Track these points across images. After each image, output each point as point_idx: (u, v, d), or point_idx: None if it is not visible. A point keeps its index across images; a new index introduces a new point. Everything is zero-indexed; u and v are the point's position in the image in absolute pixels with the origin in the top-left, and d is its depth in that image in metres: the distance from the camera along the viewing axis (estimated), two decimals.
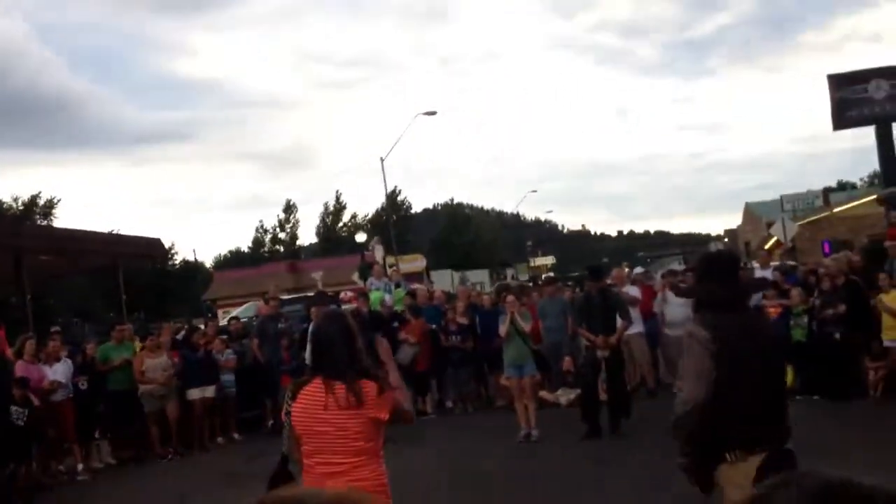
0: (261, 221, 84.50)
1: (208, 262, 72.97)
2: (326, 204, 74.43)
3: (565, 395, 13.00)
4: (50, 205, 49.57)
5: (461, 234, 75.60)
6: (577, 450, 9.95)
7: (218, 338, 14.03)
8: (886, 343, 10.80)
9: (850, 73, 28.61)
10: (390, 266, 30.27)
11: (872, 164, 30.16)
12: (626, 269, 16.84)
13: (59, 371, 11.85)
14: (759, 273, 14.08)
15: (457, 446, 10.98)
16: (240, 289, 41.71)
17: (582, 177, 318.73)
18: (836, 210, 32.86)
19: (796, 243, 27.68)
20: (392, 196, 47.38)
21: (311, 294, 19.72)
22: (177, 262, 58.56)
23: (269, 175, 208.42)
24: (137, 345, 13.62)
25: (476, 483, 8.79)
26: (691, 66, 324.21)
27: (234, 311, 20.87)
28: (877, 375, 11.05)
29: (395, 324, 14.22)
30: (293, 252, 68.39)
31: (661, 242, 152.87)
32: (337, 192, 74.63)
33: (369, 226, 61.53)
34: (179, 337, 14.36)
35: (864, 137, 29.29)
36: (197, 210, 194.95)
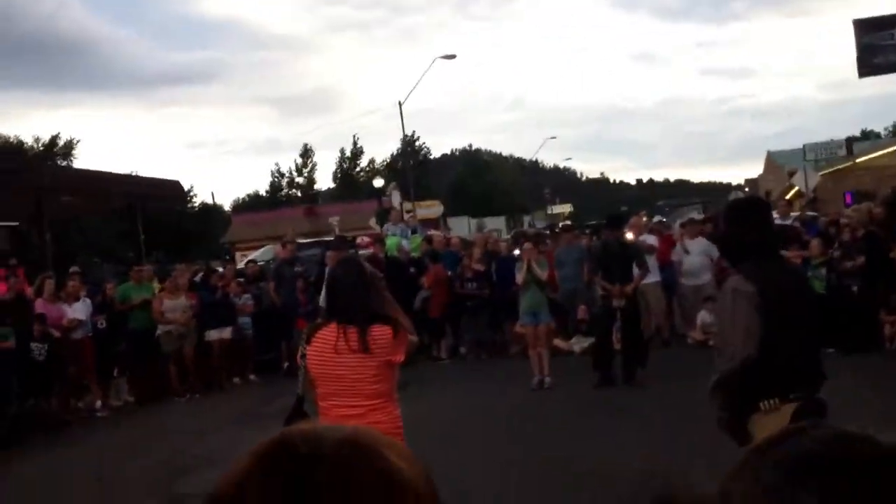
0: (277, 165, 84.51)
1: (227, 206, 73.16)
2: (343, 149, 74.23)
3: (579, 344, 13.04)
4: (69, 146, 49.63)
5: (479, 180, 75.29)
6: (590, 397, 10.00)
7: (235, 280, 14.12)
8: None
9: (877, 18, 28.07)
10: (407, 212, 30.26)
11: None
12: (645, 218, 16.72)
13: (78, 310, 12.00)
14: (778, 223, 13.97)
15: (470, 392, 11.07)
16: (257, 232, 41.82)
17: (602, 123, 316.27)
18: (858, 160, 32.38)
19: (818, 194, 27.39)
20: (410, 141, 47.08)
21: (328, 238, 19.76)
22: (195, 204, 58.74)
23: (287, 119, 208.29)
24: (157, 286, 13.74)
25: (489, 428, 8.88)
26: (714, 10, 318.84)
27: (252, 255, 20.95)
28: (893, 328, 11.00)
29: (412, 269, 14.25)
30: (310, 196, 68.39)
31: (680, 192, 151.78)
32: (354, 136, 74.07)
33: (387, 171, 61.33)
34: (197, 279, 14.48)
35: (891, 84, 28.82)
36: (216, 153, 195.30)
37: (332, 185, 75.84)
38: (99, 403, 12.08)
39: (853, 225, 11.78)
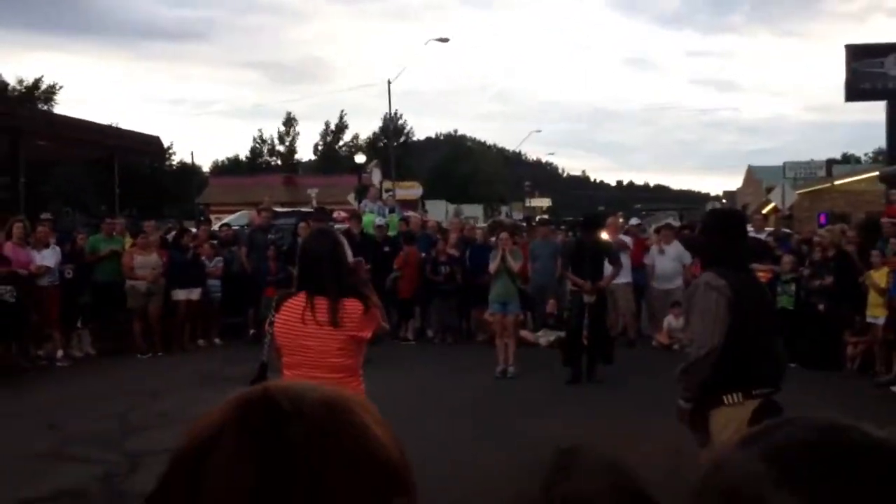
0: (260, 131, 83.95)
1: (205, 167, 72.60)
2: (328, 122, 73.87)
3: (545, 337, 13.10)
4: (51, 90, 48.93)
5: (461, 166, 75.28)
6: (551, 388, 10.08)
7: (208, 242, 14.02)
8: (869, 319, 10.85)
9: (869, 45, 28.31)
10: (387, 191, 30.21)
11: (879, 140, 29.93)
12: (621, 220, 16.81)
13: (46, 257, 11.86)
14: (752, 236, 14.08)
15: (433, 374, 11.10)
16: (234, 196, 41.53)
17: (588, 121, 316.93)
18: (836, 183, 32.75)
19: (794, 212, 27.65)
20: (392, 120, 46.89)
21: (305, 209, 19.66)
22: (174, 162, 58.21)
23: (273, 86, 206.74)
24: (128, 240, 13.61)
25: (451, 410, 8.93)
26: (711, 19, 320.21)
27: (227, 218, 20.79)
28: (855, 350, 11.15)
29: (386, 248, 14.23)
30: (291, 166, 68.02)
31: (659, 197, 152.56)
32: (342, 111, 73.77)
33: (368, 148, 61.13)
34: (170, 237, 14.37)
35: (875, 112, 29.06)
36: (198, 113, 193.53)
37: (313, 156, 75.49)
38: (60, 353, 11.98)
39: (825, 245, 11.90)
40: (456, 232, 14.84)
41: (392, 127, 44.50)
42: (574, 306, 10.64)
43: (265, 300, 12.41)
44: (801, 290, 11.73)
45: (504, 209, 60.23)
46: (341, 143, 73.20)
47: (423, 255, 14.21)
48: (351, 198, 24.03)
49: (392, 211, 17.48)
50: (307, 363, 4.08)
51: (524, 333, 12.87)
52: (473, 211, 51.54)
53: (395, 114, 41.87)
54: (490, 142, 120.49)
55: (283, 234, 14.45)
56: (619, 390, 9.91)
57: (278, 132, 72.84)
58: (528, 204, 70.23)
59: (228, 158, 78.09)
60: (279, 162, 70.32)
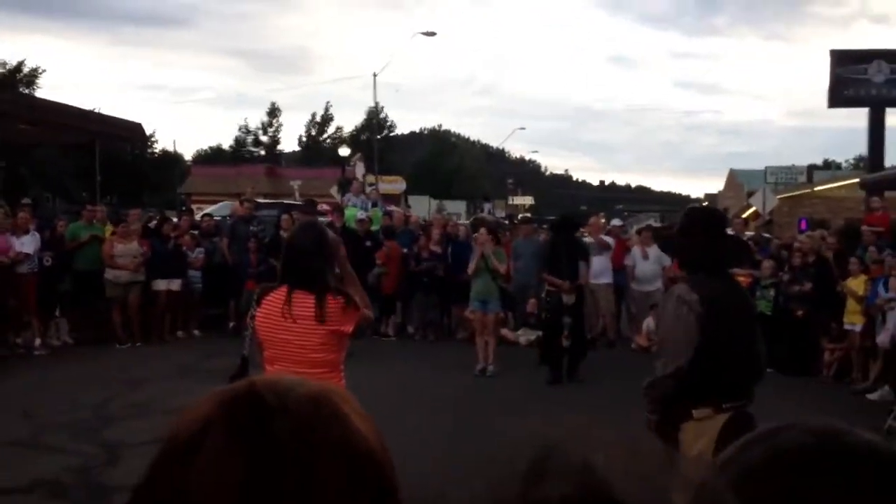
0: (246, 120, 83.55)
1: (187, 156, 72.14)
2: (314, 114, 73.57)
3: (525, 336, 13.12)
4: (34, 74, 48.45)
5: (445, 161, 75.20)
6: (530, 387, 10.11)
7: (189, 233, 13.94)
8: (846, 326, 10.95)
9: (854, 51, 28.44)
10: (370, 184, 30.11)
11: (861, 146, 30.17)
12: (603, 221, 16.88)
13: (26, 243, 11.76)
14: (733, 234, 14.15)
15: (413, 371, 11.10)
16: (216, 186, 41.35)
17: (572, 120, 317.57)
18: (817, 188, 32.96)
19: (774, 216, 27.82)
20: (374, 113, 46.84)
21: (287, 201, 19.60)
22: (156, 150, 57.82)
23: (258, 75, 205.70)
24: (109, 229, 13.52)
25: (430, 407, 8.95)
26: (696, 21, 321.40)
27: (208, 209, 20.70)
28: (832, 356, 11.25)
29: (368, 243, 14.20)
30: (274, 157, 67.74)
31: (641, 198, 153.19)
32: (327, 103, 73.59)
33: (351, 141, 60.96)
34: (151, 225, 14.28)
35: (857, 118, 29.27)
36: (180, 100, 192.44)
37: (296, 147, 75.21)
38: (38, 341, 11.88)
39: (805, 250, 11.99)
40: (439, 228, 14.84)
41: (376, 120, 44.37)
42: (551, 306, 10.65)
43: (246, 293, 12.36)
44: (780, 295, 11.81)
45: (487, 206, 60.29)
46: (325, 135, 72.96)
47: (406, 250, 14.21)
48: (333, 191, 23.92)
49: (375, 205, 17.45)
50: (288, 358, 4.05)
51: (504, 332, 12.90)
52: (457, 207, 51.57)
53: (377, 106, 41.68)
54: (474, 137, 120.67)
55: (265, 226, 14.40)
56: (598, 391, 9.95)
57: (262, 122, 72.53)
58: (510, 202, 70.29)
59: (211, 147, 77.63)
60: (262, 152, 70.01)
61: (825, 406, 9.17)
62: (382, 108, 69.49)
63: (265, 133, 72.52)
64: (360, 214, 15.33)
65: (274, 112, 72.47)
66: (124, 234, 12.78)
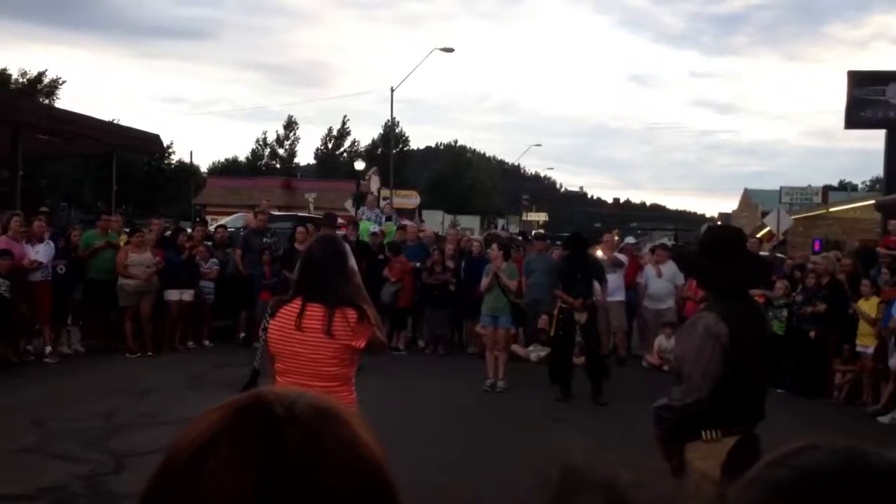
0: (265, 133, 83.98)
1: (204, 167, 72.57)
2: (331, 128, 73.92)
3: (536, 352, 13.09)
4: (54, 84, 48.95)
5: (460, 177, 75.32)
6: (539, 405, 10.04)
7: (203, 244, 13.98)
8: (858, 348, 10.87)
9: (872, 72, 28.31)
10: (384, 198, 30.20)
11: (877, 168, 29.96)
12: (616, 237, 16.86)
13: (41, 252, 11.83)
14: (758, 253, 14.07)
15: (423, 385, 11.07)
16: (231, 198, 41.58)
17: (588, 137, 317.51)
18: (831, 209, 32.82)
19: (788, 237, 27.70)
20: (393, 128, 47.01)
21: (302, 214, 19.67)
22: (173, 161, 58.19)
23: (276, 88, 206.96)
24: (123, 238, 13.58)
25: (438, 422, 8.92)
26: (714, 41, 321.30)
27: (223, 220, 20.79)
28: (843, 378, 11.15)
29: (381, 256, 14.22)
30: (289, 169, 68.07)
31: (655, 216, 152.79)
32: (344, 117, 73.79)
33: (367, 155, 61.19)
34: (168, 234, 14.35)
35: (874, 140, 29.06)
36: (198, 112, 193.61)
37: (312, 161, 75.53)
38: (49, 349, 11.93)
39: (819, 271, 11.91)
40: (453, 243, 14.84)
41: (392, 135, 44.51)
42: (563, 324, 10.61)
43: (260, 305, 12.38)
44: (793, 316, 11.74)
45: (501, 222, 60.28)
46: (342, 148, 73.27)
47: (418, 264, 14.20)
48: (348, 204, 24.02)
49: (389, 219, 17.48)
50: (300, 370, 4.05)
51: (515, 348, 12.87)
52: (470, 222, 51.62)
53: (392, 121, 41.80)
54: (490, 153, 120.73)
55: (278, 238, 14.42)
56: (609, 408, 9.90)
57: (278, 135, 72.93)
58: (524, 218, 70.29)
59: (227, 159, 78.11)
60: (278, 165, 70.35)
61: (835, 429, 9.09)
62: (399, 122, 69.84)
63: (281, 146, 72.90)
64: (374, 228, 15.36)
65: (291, 125, 72.92)
66: (138, 244, 12.82)
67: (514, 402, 10.25)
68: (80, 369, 11.39)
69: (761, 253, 15.59)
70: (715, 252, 4.21)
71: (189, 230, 15.35)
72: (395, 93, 35.96)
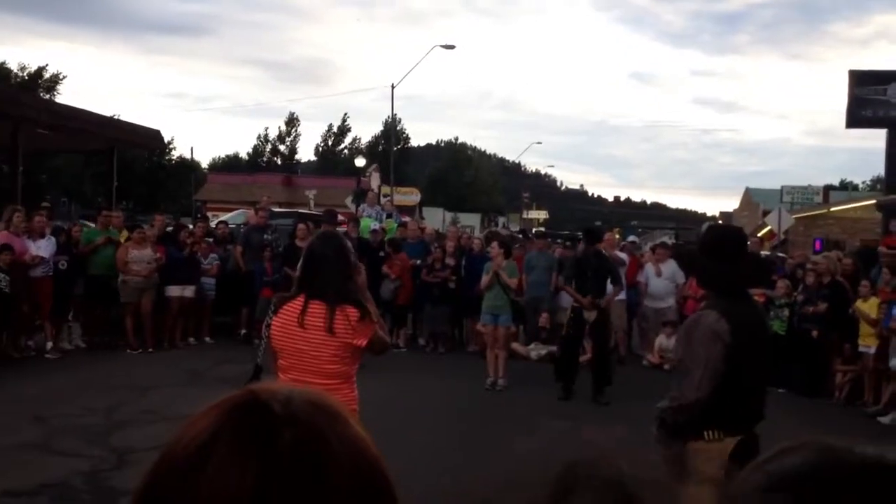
0: (266, 129, 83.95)
1: (204, 163, 72.57)
2: (331, 124, 73.93)
3: (536, 351, 13.09)
4: (55, 79, 48.95)
5: (460, 174, 75.29)
6: (539, 403, 10.05)
7: (204, 241, 13.97)
8: (861, 348, 10.86)
9: (873, 71, 28.28)
10: (384, 195, 30.19)
11: (878, 167, 29.95)
12: (617, 236, 16.87)
13: (42, 247, 11.82)
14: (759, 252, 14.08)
15: (423, 383, 11.06)
16: (232, 194, 41.60)
17: (589, 135, 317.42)
18: (832, 209, 32.82)
19: (789, 236, 27.68)
20: (394, 124, 46.98)
21: (303, 211, 19.66)
22: (173, 157, 58.17)
23: (277, 84, 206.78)
24: (124, 234, 13.57)
25: (438, 420, 8.92)
26: (716, 39, 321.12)
27: (224, 216, 20.78)
28: (844, 378, 11.16)
29: (381, 253, 14.21)
30: (290, 166, 68.05)
31: (656, 215, 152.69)
32: (345, 114, 73.79)
33: (367, 152, 61.21)
34: (169, 230, 14.33)
35: (875, 139, 29.08)
36: (199, 108, 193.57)
37: (313, 157, 75.54)
38: (49, 345, 11.93)
39: (820, 271, 11.90)
40: (454, 241, 14.82)
41: (392, 132, 44.47)
42: (573, 321, 10.58)
43: (261, 301, 12.38)
44: (794, 316, 11.74)
45: (501, 220, 60.29)
46: (342, 145, 73.29)
47: (418, 261, 14.19)
48: (348, 201, 23.98)
49: (390, 216, 17.47)
50: (302, 367, 4.05)
51: (515, 346, 12.87)
52: (471, 220, 51.59)
53: (393, 118, 41.78)
54: (490, 151, 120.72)
55: (279, 235, 14.41)
56: (609, 407, 9.91)
57: (279, 131, 72.92)
58: (525, 216, 70.26)
59: (228, 156, 78.13)
60: (279, 161, 70.36)
61: (835, 428, 9.09)
62: (399, 119, 69.88)
63: (282, 142, 72.90)
64: (374, 225, 15.35)
65: (292, 122, 72.91)
66: (140, 240, 12.82)
67: (515, 400, 10.25)
68: (81, 365, 11.39)
69: (762, 252, 15.61)
70: (715, 251, 4.22)
71: (190, 226, 15.33)
72: (395, 90, 35.99)
